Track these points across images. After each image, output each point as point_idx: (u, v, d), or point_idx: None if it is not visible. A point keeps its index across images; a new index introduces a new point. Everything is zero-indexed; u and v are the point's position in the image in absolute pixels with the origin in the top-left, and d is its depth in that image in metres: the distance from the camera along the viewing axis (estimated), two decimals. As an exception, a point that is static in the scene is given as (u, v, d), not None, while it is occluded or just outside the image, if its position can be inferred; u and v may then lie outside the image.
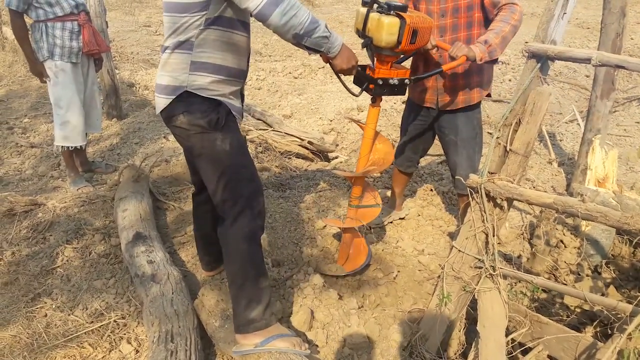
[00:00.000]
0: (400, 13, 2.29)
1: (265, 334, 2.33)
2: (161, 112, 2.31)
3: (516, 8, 2.71)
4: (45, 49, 3.98)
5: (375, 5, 2.32)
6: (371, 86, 2.45)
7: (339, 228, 3.06)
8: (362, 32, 2.36)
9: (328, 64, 2.34)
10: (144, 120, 6.04)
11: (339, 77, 2.41)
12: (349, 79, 2.49)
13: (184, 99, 2.21)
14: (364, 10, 2.36)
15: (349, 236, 2.95)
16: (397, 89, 2.49)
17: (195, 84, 2.19)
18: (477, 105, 3.12)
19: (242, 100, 2.48)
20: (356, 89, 2.51)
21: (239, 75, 2.35)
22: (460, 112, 3.09)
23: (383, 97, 2.63)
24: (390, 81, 2.43)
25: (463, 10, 2.85)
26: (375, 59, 2.45)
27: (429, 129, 3.32)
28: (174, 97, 2.21)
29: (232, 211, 2.31)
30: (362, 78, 2.45)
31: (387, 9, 2.28)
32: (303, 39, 2.10)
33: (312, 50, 2.20)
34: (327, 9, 14.21)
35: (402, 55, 2.58)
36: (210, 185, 2.36)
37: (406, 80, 2.48)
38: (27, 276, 3.12)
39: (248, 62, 2.41)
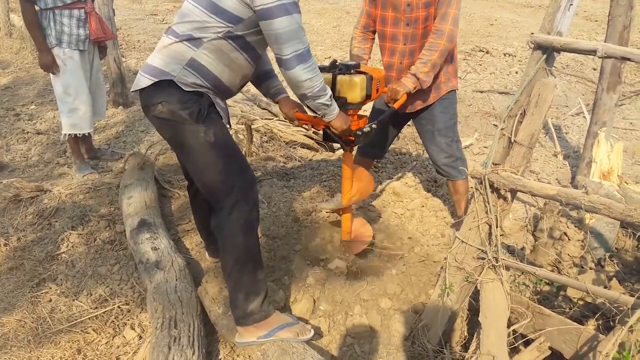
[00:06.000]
0: (360, 70, 2.59)
1: (267, 325, 2.34)
2: (141, 98, 2.27)
3: (443, 32, 2.85)
4: (53, 37, 3.98)
5: (336, 69, 2.57)
6: (351, 138, 2.64)
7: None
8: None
9: (323, 130, 2.62)
10: (150, 108, 6.04)
11: (335, 137, 2.62)
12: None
13: (165, 88, 2.17)
14: (327, 75, 2.56)
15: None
16: (368, 135, 2.68)
17: (184, 79, 2.17)
18: (453, 94, 3.17)
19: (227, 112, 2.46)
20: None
21: (225, 93, 2.36)
22: (437, 103, 3.13)
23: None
24: (364, 129, 2.64)
25: (421, 22, 2.93)
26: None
27: (399, 118, 3.31)
28: (156, 80, 2.17)
29: (225, 203, 2.27)
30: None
31: (347, 69, 2.57)
32: (307, 100, 2.28)
33: (310, 110, 2.42)
34: (334, 0, 14.13)
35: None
36: (199, 178, 2.34)
37: (373, 126, 2.67)
38: (33, 261, 3.15)
39: (241, 87, 2.47)
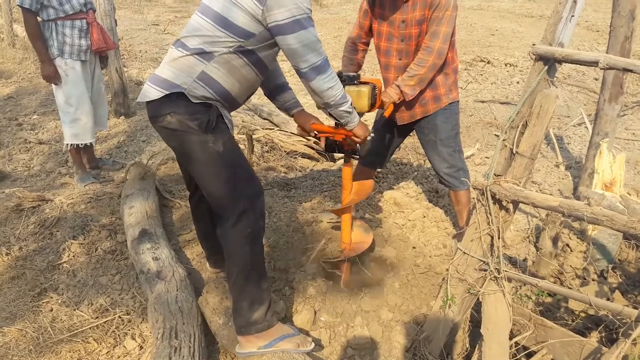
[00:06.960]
0: (362, 81, 2.66)
1: (268, 336, 2.33)
2: (148, 108, 2.28)
3: (432, 49, 2.87)
4: (55, 47, 4.00)
5: (342, 80, 2.57)
6: (357, 146, 2.70)
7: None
8: None
9: (325, 140, 2.70)
10: (152, 118, 6.05)
11: (340, 147, 2.72)
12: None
13: (174, 100, 2.18)
14: None
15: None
16: (368, 144, 2.75)
17: (194, 91, 2.18)
18: (455, 105, 3.19)
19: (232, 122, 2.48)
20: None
21: (232, 105, 2.38)
22: (439, 113, 3.14)
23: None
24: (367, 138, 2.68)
25: (414, 38, 2.96)
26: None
27: (401, 128, 3.34)
28: (167, 92, 2.17)
29: (233, 212, 2.27)
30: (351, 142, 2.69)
31: (351, 80, 2.62)
32: (331, 108, 2.35)
33: (333, 118, 2.48)
34: (335, 9, 14.21)
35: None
36: (206, 188, 2.34)
37: (371, 134, 2.70)
38: (34, 271, 3.14)
39: (247, 99, 2.50)
